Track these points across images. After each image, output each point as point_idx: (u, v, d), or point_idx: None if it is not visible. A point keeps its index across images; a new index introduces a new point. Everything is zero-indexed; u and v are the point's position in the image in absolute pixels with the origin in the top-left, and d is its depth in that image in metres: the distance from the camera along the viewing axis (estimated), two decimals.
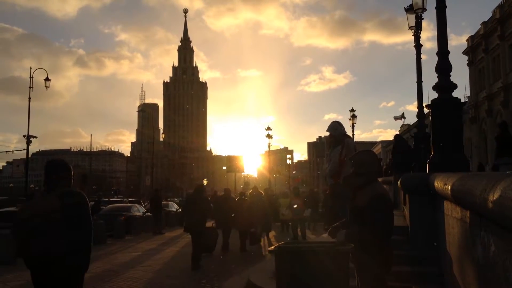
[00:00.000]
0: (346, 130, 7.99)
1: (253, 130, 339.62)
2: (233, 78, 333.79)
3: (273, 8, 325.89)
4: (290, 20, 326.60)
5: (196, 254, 10.69)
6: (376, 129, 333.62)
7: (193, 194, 12.01)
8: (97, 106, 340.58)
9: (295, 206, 16.08)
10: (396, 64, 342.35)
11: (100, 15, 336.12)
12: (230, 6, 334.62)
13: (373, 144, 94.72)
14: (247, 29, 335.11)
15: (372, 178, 4.11)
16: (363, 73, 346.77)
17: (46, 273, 4.17)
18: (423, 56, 15.22)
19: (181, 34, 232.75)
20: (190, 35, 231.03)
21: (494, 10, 37.89)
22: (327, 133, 7.91)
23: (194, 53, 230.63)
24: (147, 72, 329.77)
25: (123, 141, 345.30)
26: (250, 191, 17.37)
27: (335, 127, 7.71)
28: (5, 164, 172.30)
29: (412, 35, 14.96)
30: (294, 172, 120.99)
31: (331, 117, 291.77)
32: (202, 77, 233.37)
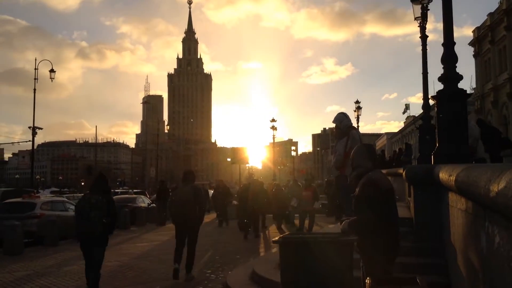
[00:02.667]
0: (351, 121, 7.97)
1: (256, 122, 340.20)
2: (234, 70, 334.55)
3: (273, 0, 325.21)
4: (290, 12, 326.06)
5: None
6: (379, 121, 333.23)
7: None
8: (100, 98, 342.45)
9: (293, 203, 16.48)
10: (397, 56, 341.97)
11: (101, 8, 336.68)
12: None
13: (377, 136, 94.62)
14: (248, 21, 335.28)
15: (367, 169, 4.20)
16: (365, 65, 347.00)
17: (185, 226, 8.48)
18: (427, 48, 15.12)
19: (182, 26, 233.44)
20: (193, 26, 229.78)
21: (500, 1, 37.56)
22: (332, 125, 7.89)
23: (194, 45, 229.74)
24: (149, 64, 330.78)
25: (126, 133, 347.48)
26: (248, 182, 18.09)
27: (341, 119, 7.69)
28: (11, 156, 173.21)
29: (418, 26, 14.87)
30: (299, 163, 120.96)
31: (333, 109, 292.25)
32: (205, 69, 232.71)
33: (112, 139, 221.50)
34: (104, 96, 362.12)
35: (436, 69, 14.66)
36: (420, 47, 14.88)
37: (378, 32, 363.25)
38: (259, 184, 17.26)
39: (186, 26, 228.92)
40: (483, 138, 10.65)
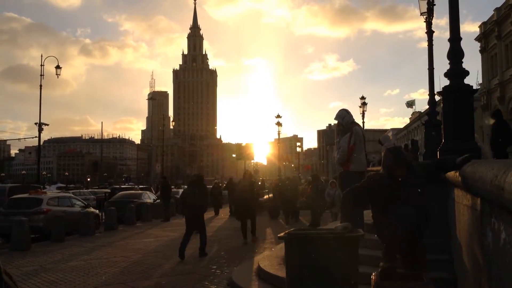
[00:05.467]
0: (354, 117, 7.92)
1: (261, 118, 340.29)
2: (237, 66, 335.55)
3: None
4: (291, 8, 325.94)
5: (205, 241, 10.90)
6: (383, 117, 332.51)
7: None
8: (104, 94, 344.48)
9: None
10: (398, 52, 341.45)
11: (104, 5, 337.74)
12: None
13: (382, 132, 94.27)
14: (249, 18, 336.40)
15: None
16: (367, 61, 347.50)
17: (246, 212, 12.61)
18: (426, 44, 15.03)
19: (184, 23, 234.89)
20: (198, 23, 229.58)
21: None
22: (336, 121, 7.86)
23: (199, 42, 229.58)
24: (151, 61, 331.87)
25: (131, 129, 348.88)
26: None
27: (343, 115, 7.65)
28: (17, 152, 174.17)
29: (424, 21, 14.80)
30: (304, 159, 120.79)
31: (336, 105, 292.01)
32: (210, 65, 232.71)
33: (117, 135, 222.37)
34: (108, 92, 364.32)
35: (438, 64, 14.72)
36: (421, 43, 15.42)
37: (379, 28, 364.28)
38: (248, 181, 13.79)
39: (188, 23, 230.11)
40: (493, 131, 10.59)
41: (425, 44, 14.97)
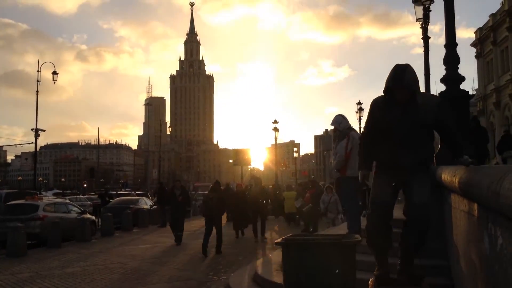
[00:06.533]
0: (350, 123, 7.94)
1: (256, 124, 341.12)
2: (232, 72, 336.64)
3: (268, 2, 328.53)
4: (286, 15, 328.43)
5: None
6: None
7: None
8: (100, 100, 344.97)
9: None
10: (392, 58, 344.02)
11: (99, 11, 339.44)
12: (225, 1, 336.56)
13: None
14: (244, 24, 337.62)
15: None
16: (362, 67, 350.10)
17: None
18: (421, 50, 15.12)
19: (179, 29, 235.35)
20: (195, 28, 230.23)
21: (502, 1, 37.49)
22: (332, 127, 7.87)
23: (196, 47, 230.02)
24: (147, 67, 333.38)
25: (127, 135, 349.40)
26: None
27: (339, 121, 7.67)
28: (14, 157, 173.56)
29: (420, 27, 14.87)
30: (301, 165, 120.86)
31: (332, 111, 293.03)
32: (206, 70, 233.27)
33: (114, 141, 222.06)
34: (104, 98, 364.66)
35: (432, 70, 14.73)
36: (415, 49, 15.56)
37: (373, 35, 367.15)
38: (259, 188, 17.38)
39: (183, 29, 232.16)
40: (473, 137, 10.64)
41: (418, 50, 15.17)
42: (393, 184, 4.31)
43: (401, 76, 4.00)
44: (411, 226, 4.26)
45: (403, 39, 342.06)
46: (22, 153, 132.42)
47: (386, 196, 4.27)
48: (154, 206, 24.07)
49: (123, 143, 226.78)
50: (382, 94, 4.25)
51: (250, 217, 15.57)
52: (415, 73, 4.13)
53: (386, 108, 4.17)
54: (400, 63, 4.15)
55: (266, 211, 16.23)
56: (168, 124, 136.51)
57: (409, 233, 4.31)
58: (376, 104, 4.30)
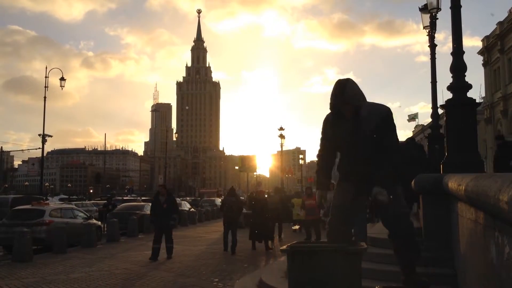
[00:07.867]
0: None
1: (262, 130, 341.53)
2: (237, 79, 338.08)
3: (272, 11, 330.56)
4: (290, 23, 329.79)
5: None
6: None
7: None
8: (106, 106, 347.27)
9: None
10: (397, 66, 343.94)
11: (105, 19, 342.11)
12: (229, 10, 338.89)
13: None
14: (249, 32, 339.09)
15: None
16: (367, 75, 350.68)
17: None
18: (427, 58, 15.11)
19: (185, 36, 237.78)
20: (202, 35, 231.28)
21: (510, 10, 37.43)
22: None
23: (203, 54, 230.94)
24: (153, 73, 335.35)
25: (133, 141, 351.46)
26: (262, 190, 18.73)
27: None
28: (21, 163, 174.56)
29: (427, 35, 14.86)
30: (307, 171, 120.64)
31: None
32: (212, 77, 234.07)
33: (120, 146, 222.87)
34: (110, 104, 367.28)
35: (437, 77, 14.68)
36: (419, 57, 15.50)
37: (377, 42, 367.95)
38: (279, 195, 18.50)
39: (189, 36, 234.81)
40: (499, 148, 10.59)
41: (422, 58, 15.19)
42: (355, 190, 4.33)
43: (342, 92, 4.07)
44: (394, 238, 4.37)
45: (407, 47, 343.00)
46: (29, 158, 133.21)
47: (345, 201, 4.33)
48: None
49: (129, 149, 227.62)
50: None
51: (270, 228, 14.89)
52: (357, 86, 4.18)
53: (336, 124, 4.25)
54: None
55: (283, 218, 17.75)
56: (175, 131, 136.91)
57: (396, 244, 4.40)
58: (327, 121, 4.38)
